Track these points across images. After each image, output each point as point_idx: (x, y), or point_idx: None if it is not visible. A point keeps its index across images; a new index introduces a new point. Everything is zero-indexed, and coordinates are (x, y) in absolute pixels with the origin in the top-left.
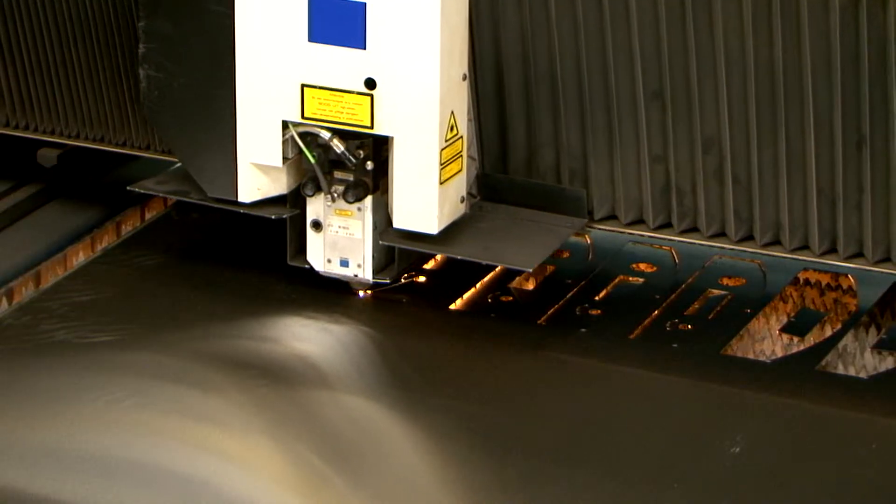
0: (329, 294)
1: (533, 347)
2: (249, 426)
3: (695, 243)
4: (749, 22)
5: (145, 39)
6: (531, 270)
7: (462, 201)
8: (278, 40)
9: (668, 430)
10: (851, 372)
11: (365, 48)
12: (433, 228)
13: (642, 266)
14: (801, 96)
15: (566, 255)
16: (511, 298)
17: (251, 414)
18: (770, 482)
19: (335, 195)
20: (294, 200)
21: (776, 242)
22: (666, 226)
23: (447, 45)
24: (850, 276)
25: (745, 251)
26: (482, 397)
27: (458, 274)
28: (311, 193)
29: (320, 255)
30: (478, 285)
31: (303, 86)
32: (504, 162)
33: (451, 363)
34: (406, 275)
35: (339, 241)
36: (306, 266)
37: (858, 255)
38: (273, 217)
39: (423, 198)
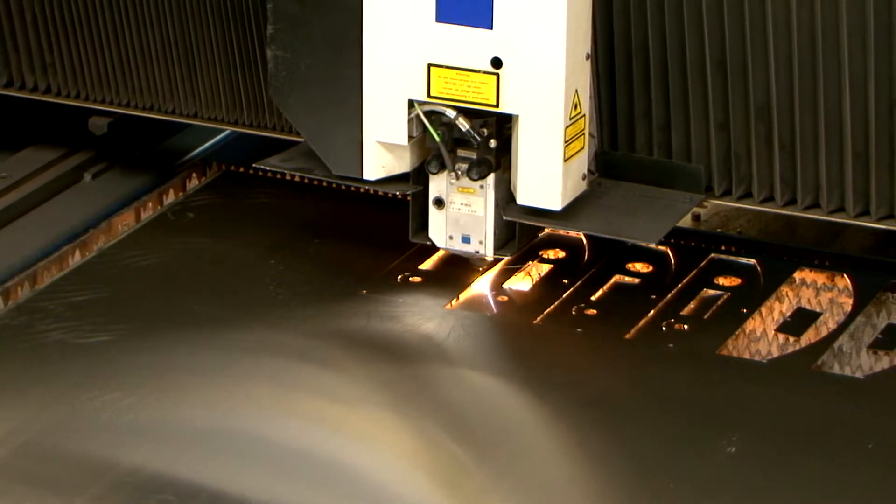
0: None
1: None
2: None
3: (746, 207)
4: None
5: (273, 20)
6: (654, 245)
7: (583, 178)
8: (406, 20)
9: (664, 430)
10: (847, 372)
11: (492, 28)
12: (557, 205)
13: (638, 266)
14: (839, 62)
15: (562, 254)
16: (507, 298)
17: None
18: (766, 482)
19: (459, 173)
20: (416, 178)
21: (816, 205)
22: (727, 193)
23: (573, 24)
24: (845, 275)
25: (793, 215)
26: None
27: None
28: (435, 171)
29: (442, 231)
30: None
31: (429, 65)
32: (614, 137)
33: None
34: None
35: (461, 218)
36: (428, 243)
37: (889, 216)
38: (397, 194)
39: (548, 175)
